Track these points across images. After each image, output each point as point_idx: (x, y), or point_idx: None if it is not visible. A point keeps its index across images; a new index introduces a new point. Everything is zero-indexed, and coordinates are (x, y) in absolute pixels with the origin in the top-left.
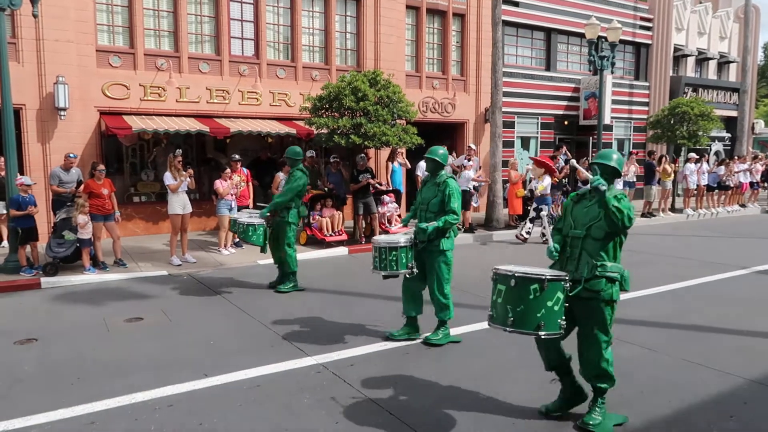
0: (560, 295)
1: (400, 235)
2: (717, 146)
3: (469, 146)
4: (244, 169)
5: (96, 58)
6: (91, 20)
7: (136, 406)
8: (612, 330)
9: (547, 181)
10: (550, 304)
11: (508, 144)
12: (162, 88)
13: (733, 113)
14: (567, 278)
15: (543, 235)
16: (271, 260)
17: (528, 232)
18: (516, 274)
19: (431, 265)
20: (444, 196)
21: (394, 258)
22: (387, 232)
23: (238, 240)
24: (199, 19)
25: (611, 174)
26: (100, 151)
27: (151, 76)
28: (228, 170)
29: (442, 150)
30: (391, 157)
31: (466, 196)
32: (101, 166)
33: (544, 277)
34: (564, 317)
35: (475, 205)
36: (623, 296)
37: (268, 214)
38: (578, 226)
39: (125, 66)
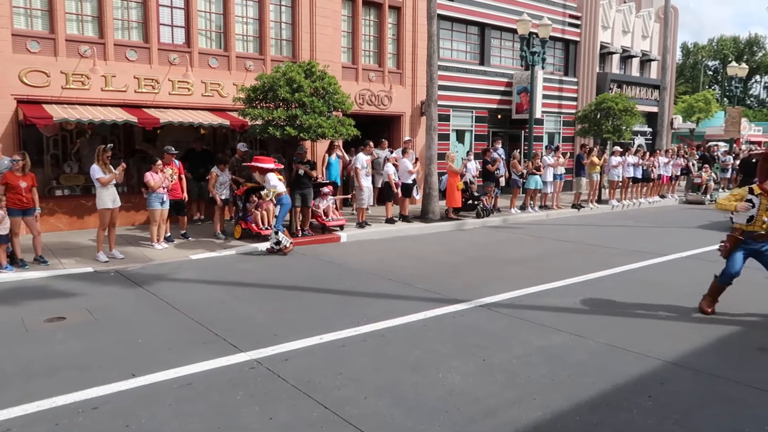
0: None
1: None
2: (639, 140)
3: (406, 139)
4: (176, 162)
5: (12, 43)
6: (6, 2)
7: (57, 409)
8: None
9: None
10: None
11: (444, 137)
12: (86, 76)
13: (654, 109)
14: None
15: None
16: (205, 254)
17: (277, 243)
18: None
19: None
20: None
21: None
22: (324, 225)
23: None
24: (126, 5)
25: None
26: (18, 142)
27: (74, 64)
28: (159, 162)
29: None
30: (330, 150)
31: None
32: (16, 157)
33: None
34: None
35: (417, 197)
36: (550, 286)
37: None
38: None
39: (45, 52)
